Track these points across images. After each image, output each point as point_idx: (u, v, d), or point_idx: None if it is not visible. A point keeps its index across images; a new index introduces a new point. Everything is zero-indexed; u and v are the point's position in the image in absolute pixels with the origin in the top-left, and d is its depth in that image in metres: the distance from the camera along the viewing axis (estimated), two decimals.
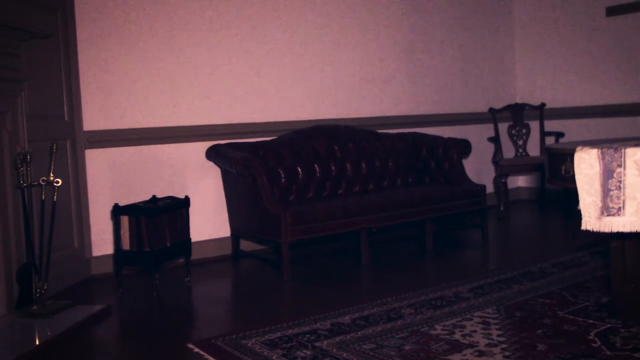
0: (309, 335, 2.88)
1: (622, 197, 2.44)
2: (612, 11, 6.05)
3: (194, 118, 4.66)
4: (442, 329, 2.89)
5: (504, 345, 2.65)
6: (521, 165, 6.02)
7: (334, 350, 2.68)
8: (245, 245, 4.74)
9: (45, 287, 3.36)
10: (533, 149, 6.40)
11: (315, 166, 4.79)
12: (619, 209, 2.45)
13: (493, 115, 6.27)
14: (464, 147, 5.19)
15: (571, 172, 2.59)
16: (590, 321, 2.89)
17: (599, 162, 2.49)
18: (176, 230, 3.92)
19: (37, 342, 2.93)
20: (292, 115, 5.12)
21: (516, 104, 6.39)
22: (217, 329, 3.12)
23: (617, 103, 6.08)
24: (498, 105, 6.47)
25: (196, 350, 2.79)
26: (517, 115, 6.33)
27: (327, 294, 3.69)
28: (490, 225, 5.29)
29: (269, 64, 5.00)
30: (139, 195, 4.32)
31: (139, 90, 4.45)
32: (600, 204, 2.49)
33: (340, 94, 5.42)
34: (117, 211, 3.76)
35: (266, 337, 2.89)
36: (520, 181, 6.94)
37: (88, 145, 4.27)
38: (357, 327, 2.97)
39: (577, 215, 2.57)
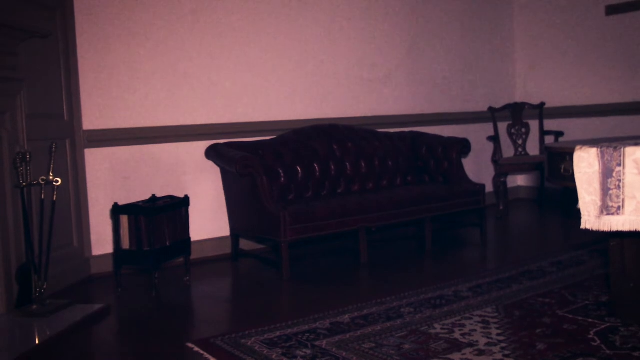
0: (308, 335, 2.88)
1: (621, 196, 2.45)
2: (611, 10, 6.05)
3: (193, 117, 4.66)
4: (442, 328, 2.89)
5: (503, 344, 2.65)
6: (521, 164, 6.02)
7: (334, 349, 2.69)
8: (245, 244, 4.74)
9: (44, 287, 3.36)
10: (532, 148, 6.40)
11: (315, 165, 4.79)
12: (619, 208, 2.45)
13: (492, 115, 6.27)
14: (463, 146, 5.19)
15: (571, 171, 2.59)
16: (590, 320, 2.90)
17: (599, 161, 2.49)
18: (176, 230, 3.92)
19: (37, 342, 2.93)
20: (292, 115, 5.12)
21: (516, 103, 6.39)
22: (217, 328, 3.12)
23: (616, 102, 6.08)
24: (498, 104, 6.47)
25: (196, 349, 2.79)
26: (517, 114, 6.33)
27: (326, 293, 3.69)
28: (489, 225, 5.29)
29: (268, 63, 4.99)
30: (139, 194, 4.32)
31: (138, 89, 4.44)
32: (599, 203, 2.49)
33: (340, 93, 5.42)
34: (117, 210, 3.76)
35: (265, 336, 2.89)
36: (519, 180, 6.94)
37: (87, 144, 4.27)
38: (357, 327, 2.97)
39: (577, 215, 2.57)
